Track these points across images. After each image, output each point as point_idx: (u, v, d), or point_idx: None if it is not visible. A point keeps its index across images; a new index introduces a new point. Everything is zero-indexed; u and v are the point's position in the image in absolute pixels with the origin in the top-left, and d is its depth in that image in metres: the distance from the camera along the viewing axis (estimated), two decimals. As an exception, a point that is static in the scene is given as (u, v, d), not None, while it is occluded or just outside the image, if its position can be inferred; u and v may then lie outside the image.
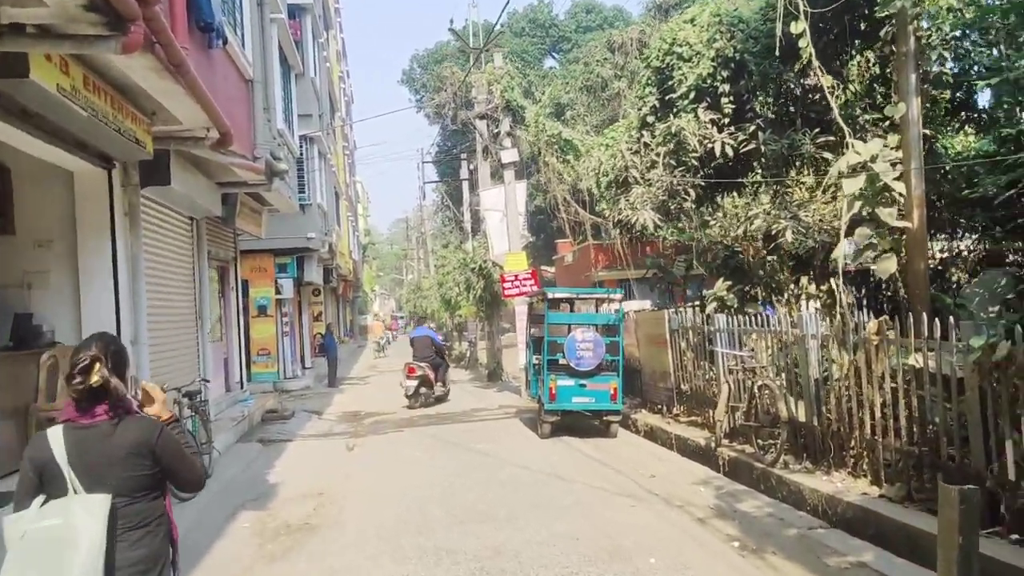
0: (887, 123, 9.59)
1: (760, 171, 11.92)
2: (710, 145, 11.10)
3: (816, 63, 8.75)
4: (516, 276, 18.80)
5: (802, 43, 8.80)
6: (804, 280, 13.12)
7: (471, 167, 37.12)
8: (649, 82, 12.95)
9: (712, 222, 16.17)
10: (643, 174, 12.29)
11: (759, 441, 9.57)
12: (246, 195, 14.05)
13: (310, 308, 30.61)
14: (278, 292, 23.80)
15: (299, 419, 15.92)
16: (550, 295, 12.60)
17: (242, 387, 16.07)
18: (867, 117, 8.72)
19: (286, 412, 15.87)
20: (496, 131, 18.61)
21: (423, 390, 17.75)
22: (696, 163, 11.26)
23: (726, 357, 11.03)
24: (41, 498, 2.94)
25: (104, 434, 3.00)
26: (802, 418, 9.09)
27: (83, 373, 2.96)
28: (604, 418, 12.69)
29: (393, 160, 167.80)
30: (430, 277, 48.93)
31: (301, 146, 23.50)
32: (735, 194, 14.22)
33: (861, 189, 8.08)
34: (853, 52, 10.04)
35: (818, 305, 12.83)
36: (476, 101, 20.63)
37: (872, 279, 11.70)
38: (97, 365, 2.98)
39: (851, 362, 7.95)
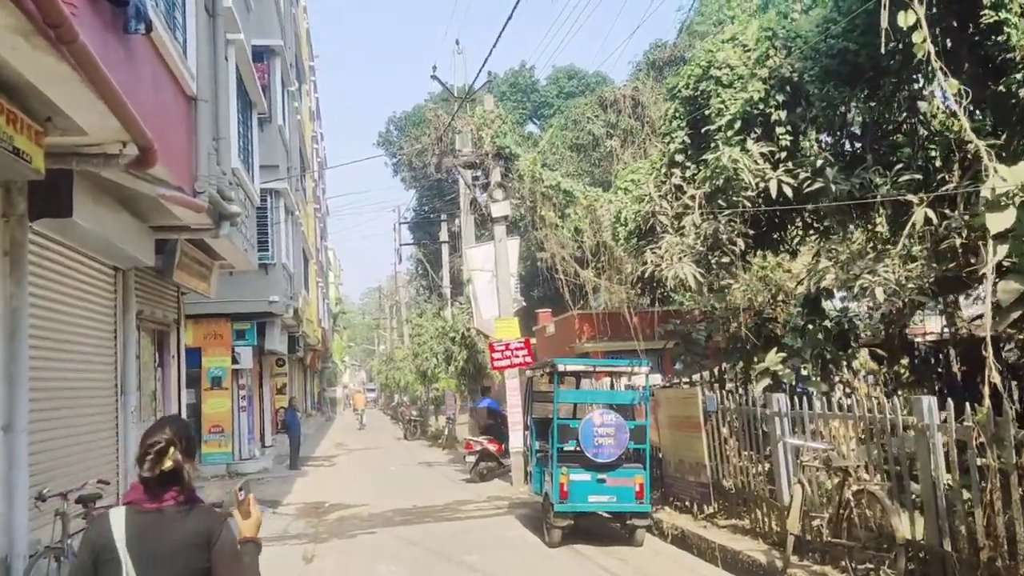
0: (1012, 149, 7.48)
1: (814, 218, 9.82)
2: (763, 184, 8.96)
3: (937, 62, 6.66)
4: (507, 345, 16.41)
5: (916, 37, 6.75)
6: (863, 355, 10.88)
7: (453, 227, 35.02)
8: (677, 115, 10.87)
9: (735, 284, 14.02)
10: (674, 222, 10.09)
11: (855, 565, 7.14)
12: (189, 243, 11.64)
13: (272, 380, 27.86)
14: (235, 362, 21.17)
15: (248, 515, 13.15)
16: (560, 367, 10.23)
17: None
18: (982, 143, 6.63)
19: (229, 507, 13.13)
20: (485, 182, 16.44)
21: (483, 464, 17.38)
22: (748, 204, 9.10)
23: (791, 450, 8.67)
24: None
25: (168, 521, 2.94)
26: (919, 537, 6.71)
27: (158, 456, 2.94)
28: (628, 521, 10.18)
29: (367, 221, 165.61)
30: (403, 347, 46.37)
31: (265, 199, 21.19)
32: (768, 250, 12.09)
33: (1010, 228, 5.89)
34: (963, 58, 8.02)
35: (872, 384, 10.59)
36: (460, 153, 18.57)
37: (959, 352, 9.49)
38: (172, 449, 2.97)
39: (1017, 466, 5.61)
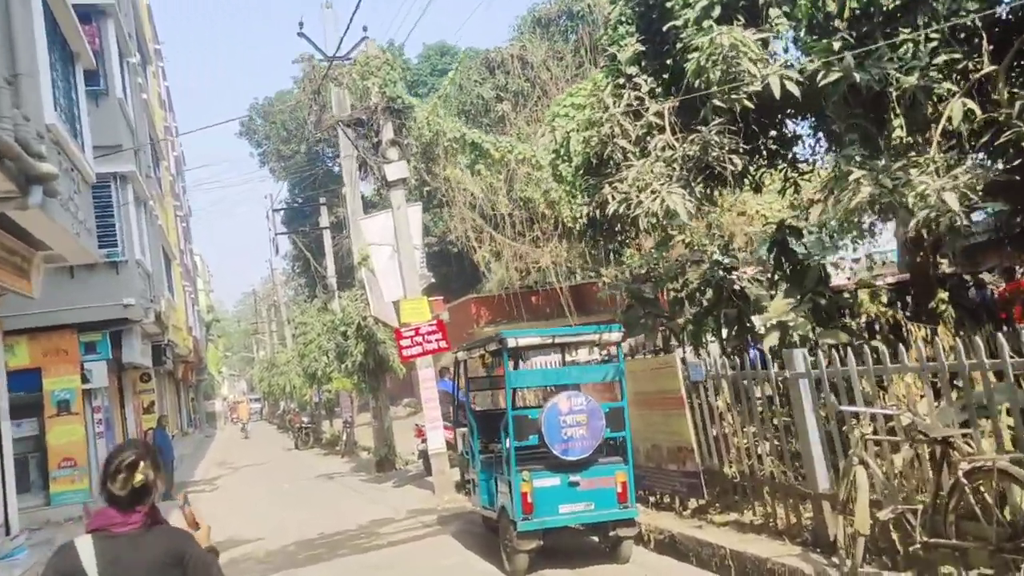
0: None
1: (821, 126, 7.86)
2: (758, 84, 6.88)
3: None
4: (416, 330, 13.90)
5: None
6: (864, 297, 9.06)
7: (335, 215, 31.93)
8: (624, 19, 8.67)
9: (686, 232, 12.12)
10: (636, 147, 7.90)
11: (968, 573, 5.15)
12: (-12, 222, 8.58)
13: (137, 398, 24.24)
14: (85, 380, 17.72)
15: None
16: (511, 341, 7.83)
17: (8, 532, 10.22)
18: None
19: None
20: (376, 140, 13.84)
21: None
22: (751, 106, 6.98)
23: (822, 419, 6.66)
24: None
25: (139, 544, 2.91)
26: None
27: (129, 471, 2.93)
28: (611, 532, 7.95)
29: (234, 218, 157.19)
30: (286, 351, 42.82)
31: (108, 183, 17.83)
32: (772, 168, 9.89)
33: None
34: None
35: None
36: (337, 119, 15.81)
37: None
38: (141, 464, 2.96)
39: None
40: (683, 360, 8.81)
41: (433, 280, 16.20)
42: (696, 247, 12.79)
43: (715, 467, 8.42)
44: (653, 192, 7.10)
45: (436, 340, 14.00)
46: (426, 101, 14.27)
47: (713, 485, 8.51)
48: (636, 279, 10.79)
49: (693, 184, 7.44)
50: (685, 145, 7.35)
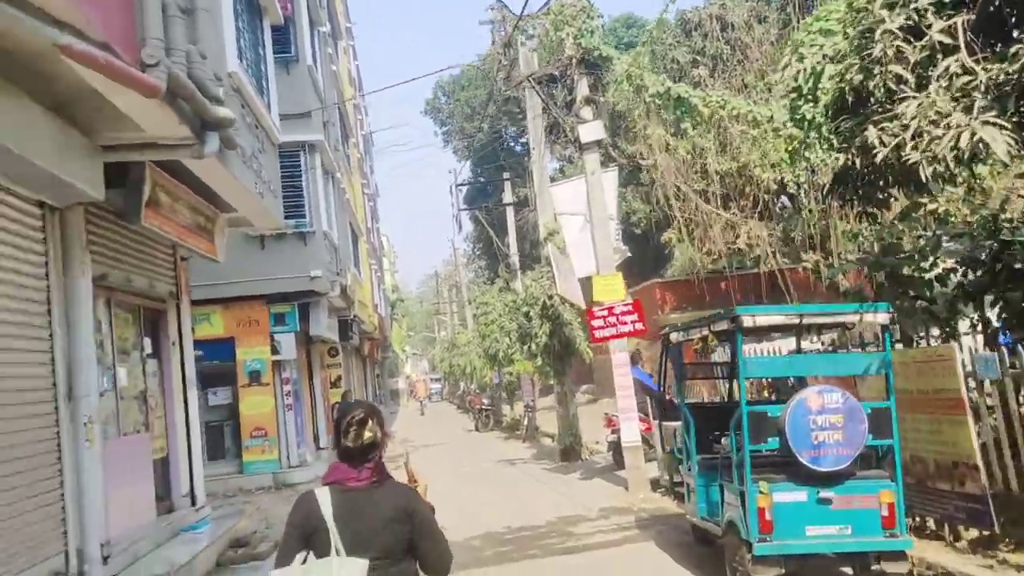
0: None
1: None
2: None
3: None
4: (610, 309, 12.59)
5: None
6: None
7: (518, 193, 31.19)
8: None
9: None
10: (917, 67, 6.12)
11: None
12: (170, 177, 8.03)
13: (324, 371, 24.49)
14: (275, 352, 17.76)
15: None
16: (748, 320, 6.29)
17: (193, 503, 9.87)
18: None
19: (260, 544, 9.55)
20: (569, 99, 12.55)
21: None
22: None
23: None
24: (302, 555, 3.01)
25: (370, 498, 3.05)
26: None
27: (359, 427, 3.09)
28: (873, 566, 6.28)
29: (418, 199, 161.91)
30: (467, 332, 42.85)
31: (297, 153, 17.73)
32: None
33: None
34: None
35: None
36: (527, 76, 14.65)
37: None
38: (371, 421, 3.12)
39: None
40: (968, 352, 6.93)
41: (629, 254, 14.77)
42: (950, 217, 10.64)
43: (1011, 491, 6.53)
44: (952, 126, 5.33)
45: (631, 321, 12.63)
46: (625, 54, 12.80)
47: (1005, 513, 6.63)
48: (886, 251, 8.84)
49: (1007, 115, 5.58)
50: (990, 68, 5.50)
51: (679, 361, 8.37)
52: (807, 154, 10.70)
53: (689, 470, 7.63)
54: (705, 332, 7.08)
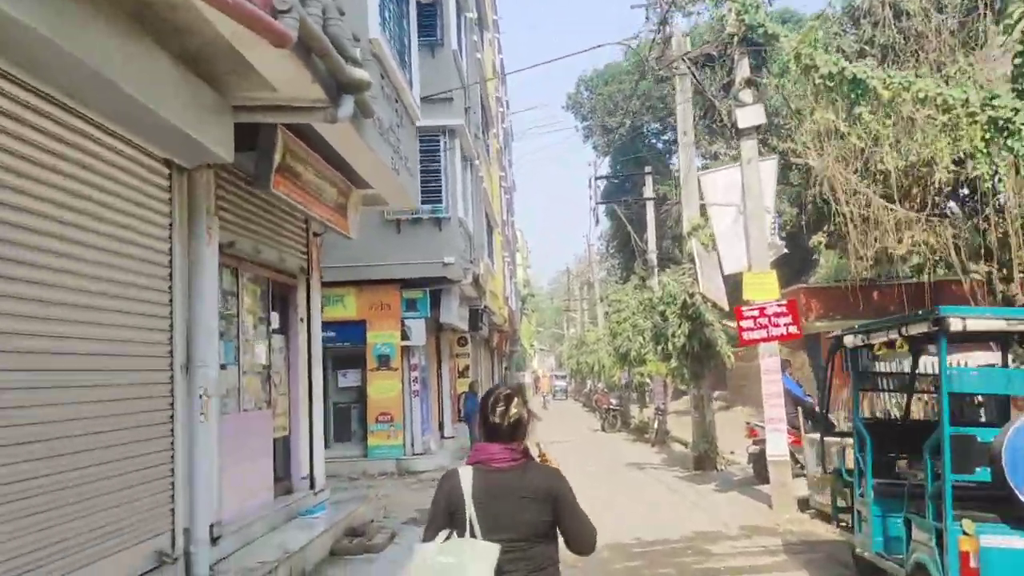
0: None
1: None
2: None
3: None
4: (761, 309, 11.50)
5: None
6: None
7: (657, 186, 30.03)
8: None
9: None
10: None
11: None
12: (303, 145, 7.66)
13: (452, 360, 24.30)
14: (405, 337, 17.56)
15: (402, 551, 8.97)
16: (956, 323, 5.15)
17: (312, 486, 9.57)
18: None
19: (376, 535, 9.09)
20: (726, 81, 11.53)
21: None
22: None
23: None
24: (445, 532, 3.05)
25: (511, 479, 3.05)
26: None
27: (506, 404, 3.10)
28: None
29: (554, 197, 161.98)
30: (596, 329, 41.95)
31: (438, 138, 17.44)
32: None
33: None
34: None
35: None
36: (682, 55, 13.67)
37: None
38: (516, 399, 3.13)
39: None
40: None
41: (786, 250, 13.59)
42: None
43: None
44: None
45: (785, 324, 11.50)
46: (793, 31, 11.63)
47: None
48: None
49: None
50: None
51: (856, 370, 7.23)
52: (1011, 142, 9.33)
53: (862, 496, 6.56)
54: (893, 336, 6.02)
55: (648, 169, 26.82)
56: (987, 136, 9.77)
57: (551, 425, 32.70)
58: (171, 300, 6.18)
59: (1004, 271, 23.22)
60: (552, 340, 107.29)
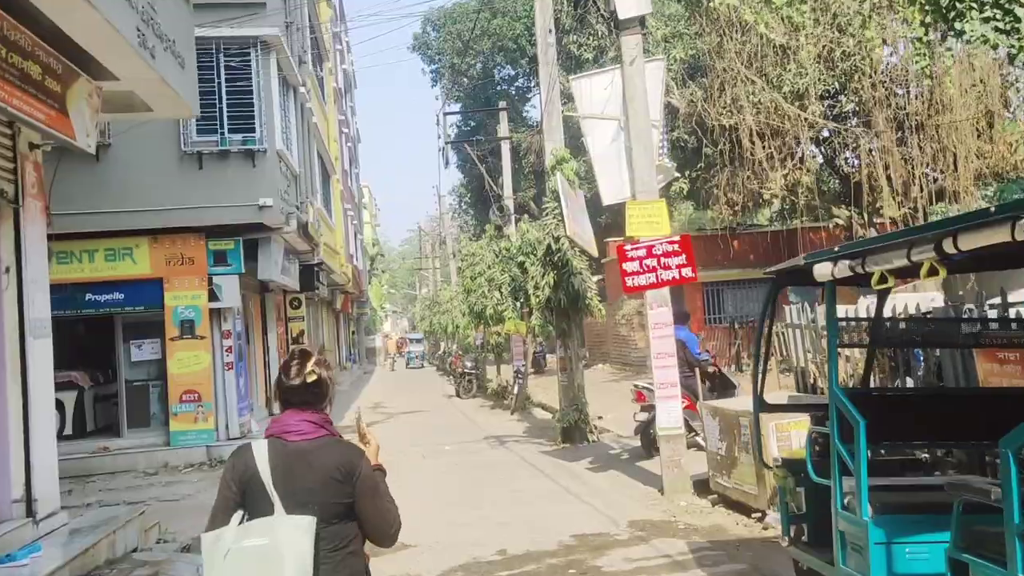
0: None
1: None
2: None
3: None
4: (649, 248, 9.24)
5: None
6: None
7: (513, 126, 27.54)
8: None
9: None
10: None
11: None
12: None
13: (283, 325, 21.07)
14: (213, 298, 14.36)
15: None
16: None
17: (30, 512, 6.51)
18: None
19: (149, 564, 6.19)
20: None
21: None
22: None
23: None
24: (239, 515, 2.81)
25: (311, 454, 2.83)
26: None
27: (302, 359, 2.90)
28: None
29: (403, 151, 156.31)
30: (450, 288, 39.39)
31: (248, 51, 14.17)
32: None
33: None
34: None
35: None
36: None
37: None
38: (315, 357, 2.93)
39: None
40: None
41: (677, 175, 11.39)
42: None
43: None
44: None
45: (677, 266, 9.30)
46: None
47: None
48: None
49: None
50: None
51: (833, 317, 4.79)
52: (960, 24, 7.34)
53: (846, 509, 4.28)
54: (924, 255, 3.64)
55: (503, 104, 24.19)
56: (927, 20, 7.78)
57: (404, 393, 30.05)
58: None
59: (864, 216, 22.47)
60: (406, 302, 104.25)
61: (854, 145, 20.10)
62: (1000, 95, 18.17)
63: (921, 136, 17.60)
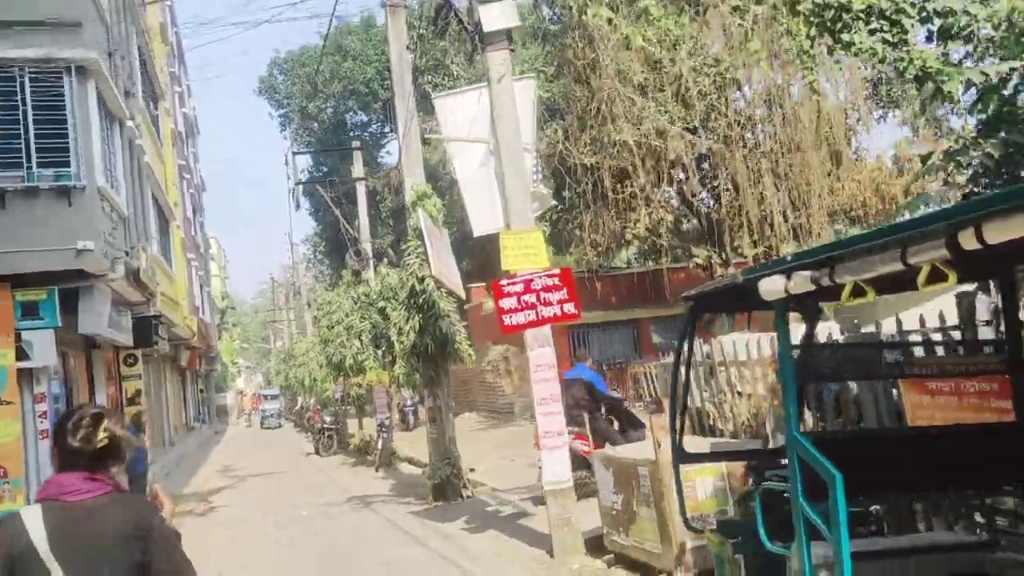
0: None
1: None
2: None
3: None
4: (527, 283, 8.36)
5: None
6: None
7: (367, 170, 26.38)
8: None
9: None
10: None
11: None
12: None
13: (117, 385, 18.83)
14: (23, 356, 12.35)
15: None
16: None
17: None
18: None
19: None
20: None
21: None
22: None
23: None
24: None
25: (97, 514, 2.51)
26: None
27: (93, 422, 2.57)
28: None
29: (253, 202, 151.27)
30: (306, 339, 37.40)
31: (60, 75, 12.47)
32: None
33: None
34: None
35: None
36: None
37: None
38: (107, 420, 2.61)
39: None
40: None
41: (554, 202, 10.70)
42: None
43: None
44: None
45: (559, 301, 8.46)
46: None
47: None
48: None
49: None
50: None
51: (787, 346, 3.81)
52: (847, 36, 6.94)
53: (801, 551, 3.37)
54: (922, 258, 2.78)
55: (356, 144, 23.07)
56: (812, 33, 7.40)
57: (259, 452, 27.84)
58: None
59: (723, 255, 22.72)
60: (260, 356, 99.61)
61: (711, 185, 20.34)
62: (844, 135, 18.89)
63: (776, 176, 17.88)
